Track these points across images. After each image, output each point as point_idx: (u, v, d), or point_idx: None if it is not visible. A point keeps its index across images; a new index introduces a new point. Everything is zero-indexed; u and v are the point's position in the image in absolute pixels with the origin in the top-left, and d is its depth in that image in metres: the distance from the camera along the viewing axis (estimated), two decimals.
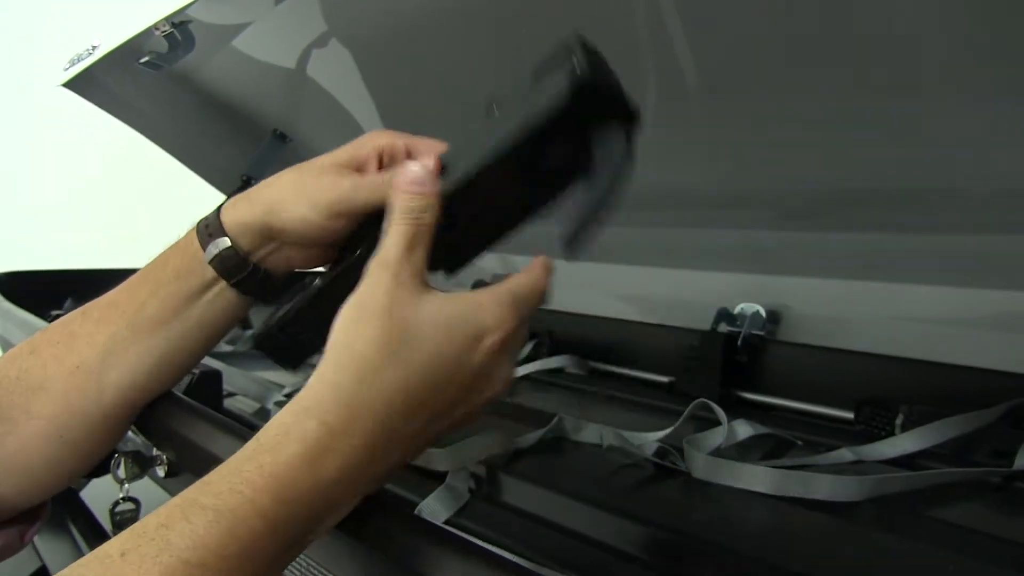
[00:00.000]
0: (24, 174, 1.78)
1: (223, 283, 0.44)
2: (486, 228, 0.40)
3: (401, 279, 0.34)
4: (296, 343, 0.42)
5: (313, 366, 0.34)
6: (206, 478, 0.30)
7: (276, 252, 0.44)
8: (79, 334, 0.45)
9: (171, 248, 0.46)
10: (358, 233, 0.41)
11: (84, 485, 0.67)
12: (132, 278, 0.46)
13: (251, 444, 0.31)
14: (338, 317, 0.34)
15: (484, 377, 0.35)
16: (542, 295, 0.37)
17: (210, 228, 0.44)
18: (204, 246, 0.44)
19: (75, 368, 0.44)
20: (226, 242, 0.43)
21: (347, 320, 0.34)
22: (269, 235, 0.43)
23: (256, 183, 1.09)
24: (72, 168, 1.83)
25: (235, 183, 1.05)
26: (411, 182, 0.36)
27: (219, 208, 0.45)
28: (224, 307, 0.45)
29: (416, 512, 0.45)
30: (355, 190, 0.40)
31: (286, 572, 0.35)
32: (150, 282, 0.45)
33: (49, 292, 1.01)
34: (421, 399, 0.33)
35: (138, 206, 1.87)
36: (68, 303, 1.00)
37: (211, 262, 0.43)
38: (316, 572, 0.40)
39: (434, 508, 0.46)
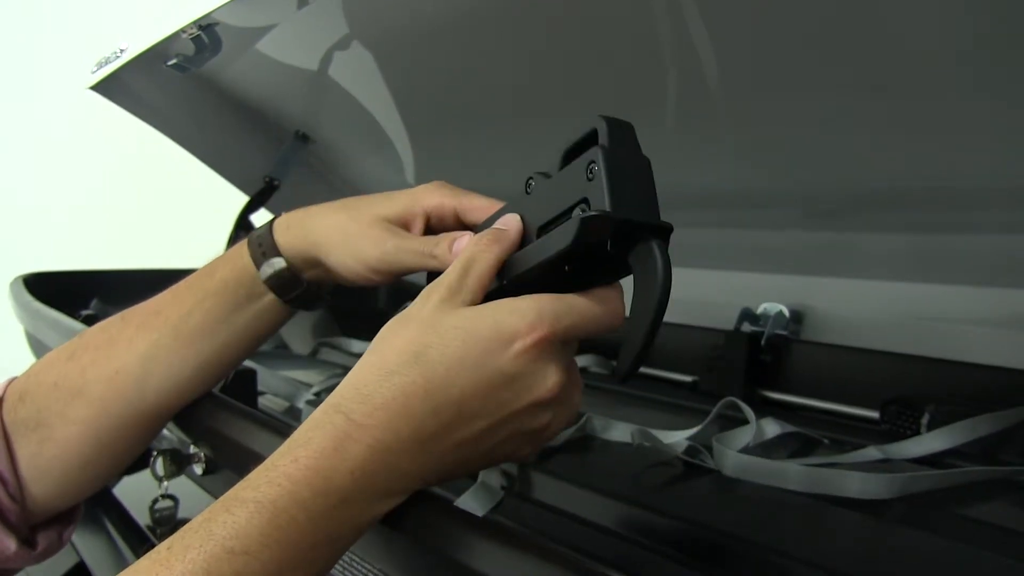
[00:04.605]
0: (23, 177, 1.81)
1: (272, 295, 0.46)
2: None
3: (445, 297, 0.34)
4: None
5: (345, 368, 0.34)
6: (247, 476, 0.31)
7: (324, 274, 0.46)
8: (118, 339, 0.46)
9: (219, 259, 0.47)
10: None
11: (117, 482, 0.68)
12: (176, 287, 0.47)
13: (287, 442, 0.32)
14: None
15: (517, 383, 0.32)
16: (597, 320, 0.34)
17: (263, 247, 0.45)
18: (257, 263, 0.45)
19: (114, 373, 0.45)
20: (281, 262, 0.45)
21: (386, 329, 0.35)
22: (317, 263, 0.45)
23: (279, 184, 1.09)
24: (71, 172, 1.86)
25: (258, 184, 1.06)
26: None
27: (270, 227, 0.46)
28: (270, 317, 0.47)
29: None
30: (398, 252, 0.41)
31: None
32: (196, 291, 0.46)
33: (75, 292, 1.02)
34: (444, 400, 0.31)
35: (137, 210, 1.90)
36: (94, 303, 1.01)
37: (266, 280, 0.45)
38: (359, 566, 0.40)
39: (470, 505, 0.47)
